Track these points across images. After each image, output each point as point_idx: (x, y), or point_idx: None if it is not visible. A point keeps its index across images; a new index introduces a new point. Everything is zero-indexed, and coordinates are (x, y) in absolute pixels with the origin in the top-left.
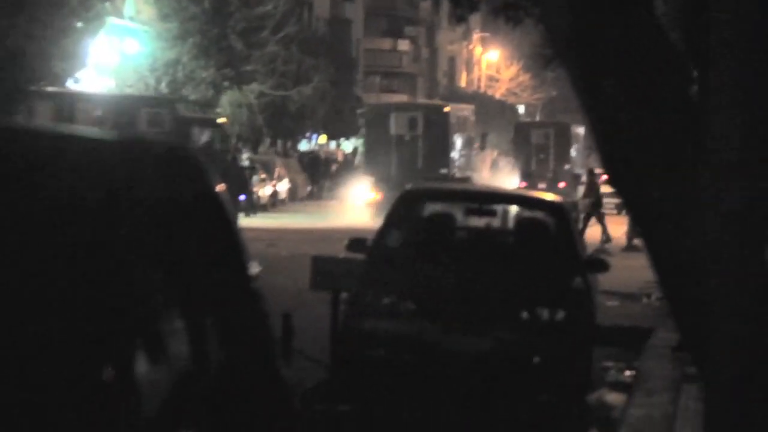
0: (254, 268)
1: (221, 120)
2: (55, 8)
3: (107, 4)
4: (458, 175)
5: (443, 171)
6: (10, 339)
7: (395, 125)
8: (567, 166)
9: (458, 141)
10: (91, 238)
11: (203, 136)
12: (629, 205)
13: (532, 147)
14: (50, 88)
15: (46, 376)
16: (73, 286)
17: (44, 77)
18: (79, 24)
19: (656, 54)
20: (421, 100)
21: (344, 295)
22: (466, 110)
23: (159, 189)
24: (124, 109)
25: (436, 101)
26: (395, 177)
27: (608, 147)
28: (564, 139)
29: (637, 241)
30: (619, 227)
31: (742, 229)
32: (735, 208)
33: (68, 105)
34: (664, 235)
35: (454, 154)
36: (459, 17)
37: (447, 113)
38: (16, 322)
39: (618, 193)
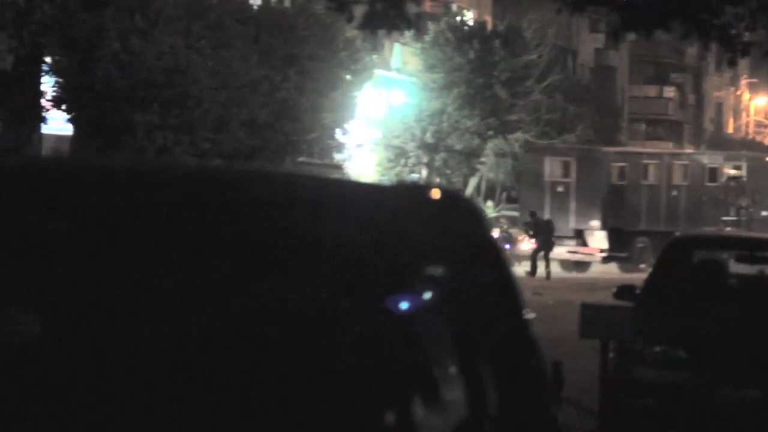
0: (529, 315)
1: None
2: (324, 61)
3: (375, 57)
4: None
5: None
6: (295, 387)
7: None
8: None
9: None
10: (370, 282)
11: None
12: None
13: None
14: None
15: (329, 424)
16: (353, 331)
17: (314, 129)
18: (348, 76)
19: None
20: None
21: (613, 343)
22: None
23: (435, 234)
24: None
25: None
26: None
27: None
28: None
29: None
30: None
31: None
32: None
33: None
34: None
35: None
36: (730, 61)
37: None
38: (300, 369)
39: None
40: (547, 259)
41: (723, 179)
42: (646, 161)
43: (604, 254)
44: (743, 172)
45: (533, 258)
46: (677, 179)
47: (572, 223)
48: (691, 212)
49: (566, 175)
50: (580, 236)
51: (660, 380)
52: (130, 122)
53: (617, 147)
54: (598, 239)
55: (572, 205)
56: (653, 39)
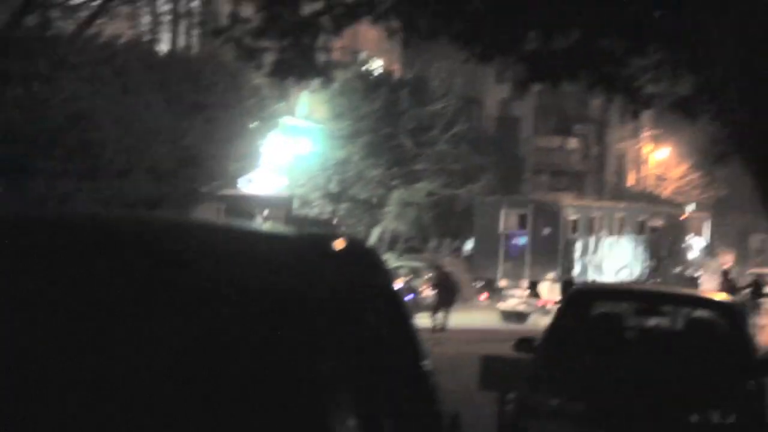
0: (429, 365)
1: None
2: (230, 109)
3: (282, 104)
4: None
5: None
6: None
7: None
8: None
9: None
10: (272, 330)
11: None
12: None
13: None
14: None
15: None
16: (253, 379)
17: (219, 177)
18: (254, 124)
19: None
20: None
21: (511, 395)
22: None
23: (337, 282)
24: None
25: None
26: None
27: None
28: None
29: None
30: None
31: None
32: None
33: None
34: None
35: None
36: (633, 113)
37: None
38: (214, 414)
39: None
40: (446, 312)
41: (647, 232)
42: (594, 215)
43: (558, 305)
44: (662, 225)
45: (434, 312)
46: (615, 232)
47: (527, 275)
48: (624, 263)
49: (522, 227)
50: (533, 288)
51: None
52: (31, 168)
53: (574, 200)
54: (552, 291)
55: (528, 258)
56: (558, 90)
